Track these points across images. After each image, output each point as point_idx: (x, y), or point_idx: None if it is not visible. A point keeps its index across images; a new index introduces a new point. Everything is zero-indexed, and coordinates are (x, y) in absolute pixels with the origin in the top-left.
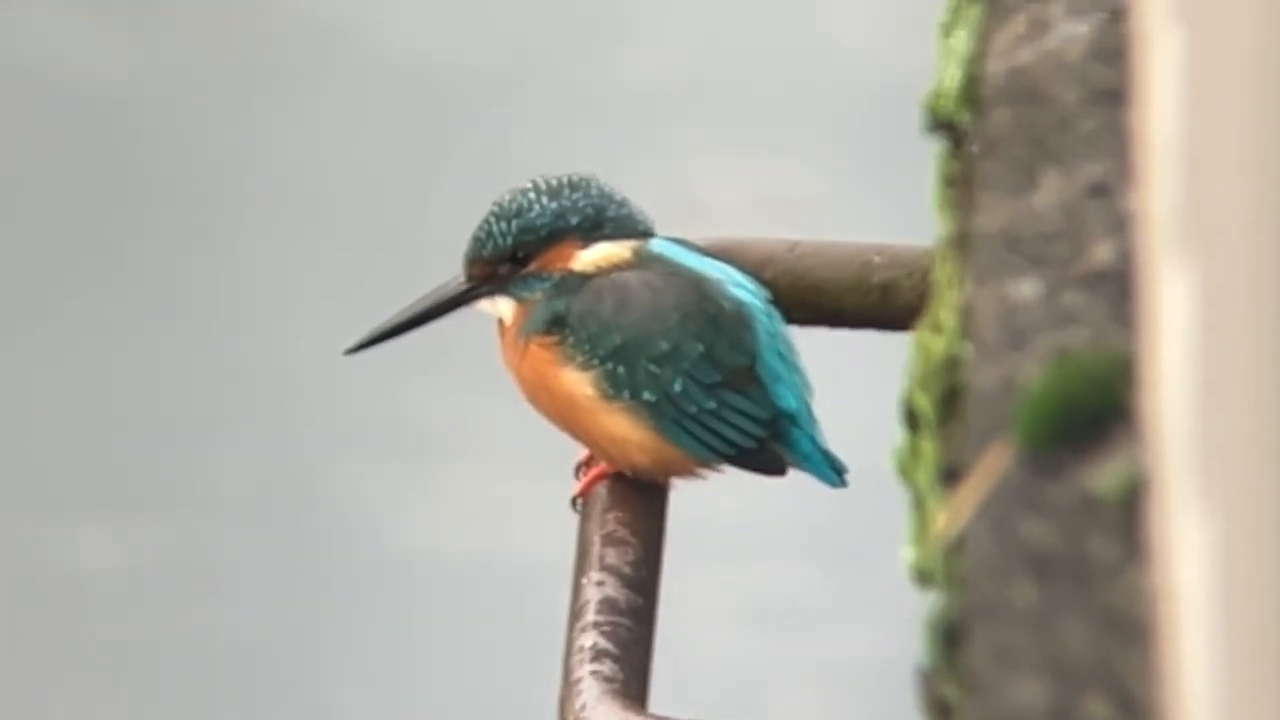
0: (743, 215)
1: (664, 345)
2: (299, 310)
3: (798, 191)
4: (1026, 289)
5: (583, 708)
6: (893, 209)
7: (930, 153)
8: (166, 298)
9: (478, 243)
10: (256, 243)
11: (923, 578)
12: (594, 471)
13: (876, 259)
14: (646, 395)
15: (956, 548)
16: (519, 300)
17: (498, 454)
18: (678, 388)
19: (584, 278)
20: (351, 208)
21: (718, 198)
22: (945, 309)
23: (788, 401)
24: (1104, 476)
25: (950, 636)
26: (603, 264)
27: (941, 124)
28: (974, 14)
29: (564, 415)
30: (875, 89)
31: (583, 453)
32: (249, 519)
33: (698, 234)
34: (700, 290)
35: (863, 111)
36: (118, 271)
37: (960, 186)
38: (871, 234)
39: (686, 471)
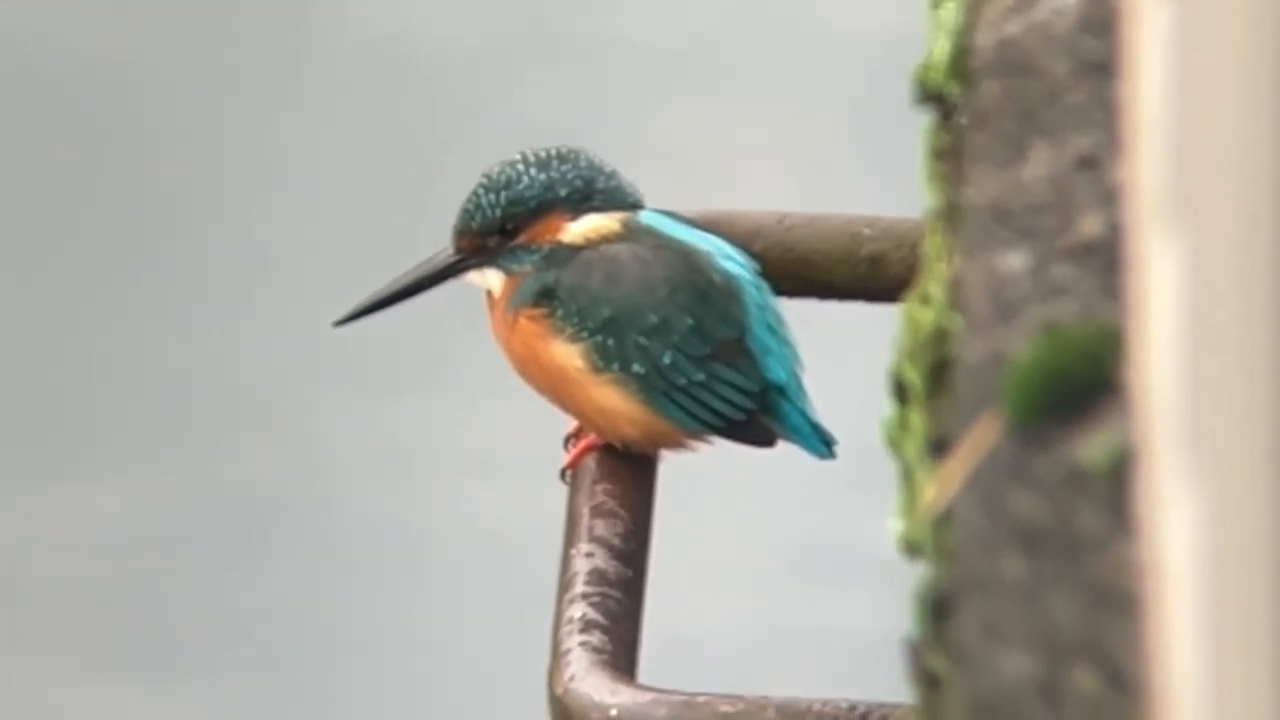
0: (737, 182)
1: (653, 318)
2: (295, 280)
3: (792, 159)
4: (1015, 261)
5: (571, 679)
6: (883, 179)
7: (919, 125)
8: (163, 273)
9: (466, 214)
10: (253, 217)
11: (911, 550)
12: (583, 443)
13: (866, 231)
14: (636, 367)
15: (945, 520)
16: (508, 272)
17: (487, 429)
18: (667, 360)
19: (573, 250)
20: (345, 183)
21: (709, 162)
22: (934, 281)
23: (777, 374)
24: (1092, 449)
25: (938, 609)
26: (592, 236)
27: (931, 96)
28: None
29: (553, 387)
30: (867, 60)
31: (572, 424)
32: (246, 490)
33: (685, 200)
34: (689, 263)
35: (854, 82)
36: (117, 245)
37: (949, 159)
38: (861, 205)
39: (675, 443)
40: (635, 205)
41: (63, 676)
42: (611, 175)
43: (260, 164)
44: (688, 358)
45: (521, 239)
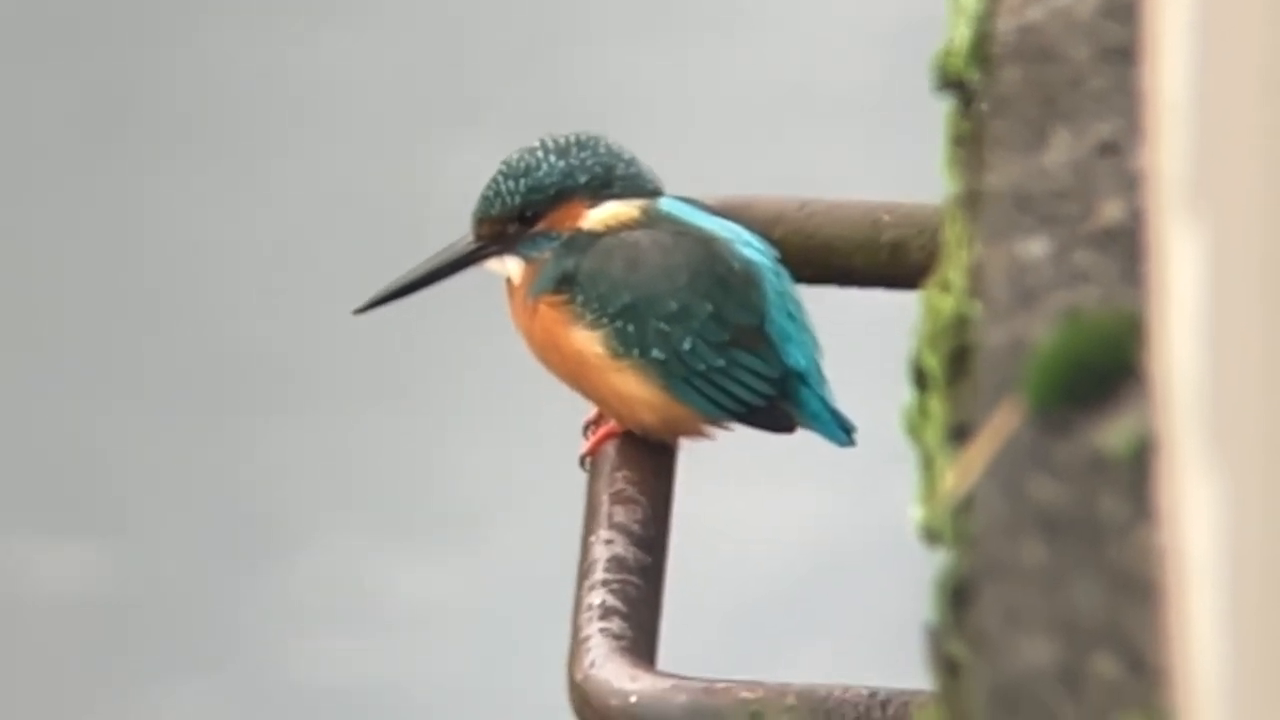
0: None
1: (673, 304)
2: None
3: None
4: (1036, 248)
5: (591, 665)
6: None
7: (940, 111)
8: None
9: (486, 202)
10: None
11: (931, 536)
12: (602, 430)
13: (886, 218)
14: (656, 353)
15: (965, 507)
16: (527, 259)
17: (501, 412)
18: (687, 346)
19: (593, 236)
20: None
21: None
22: (954, 268)
23: (797, 360)
24: (1113, 435)
25: (959, 595)
26: (611, 223)
27: (951, 82)
28: None
29: (573, 374)
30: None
31: (591, 411)
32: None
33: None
34: (709, 249)
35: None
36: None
37: (970, 145)
38: (881, 192)
39: (695, 430)
40: (655, 192)
41: None
42: (631, 162)
43: (210, 218)
44: (707, 344)
45: (541, 226)
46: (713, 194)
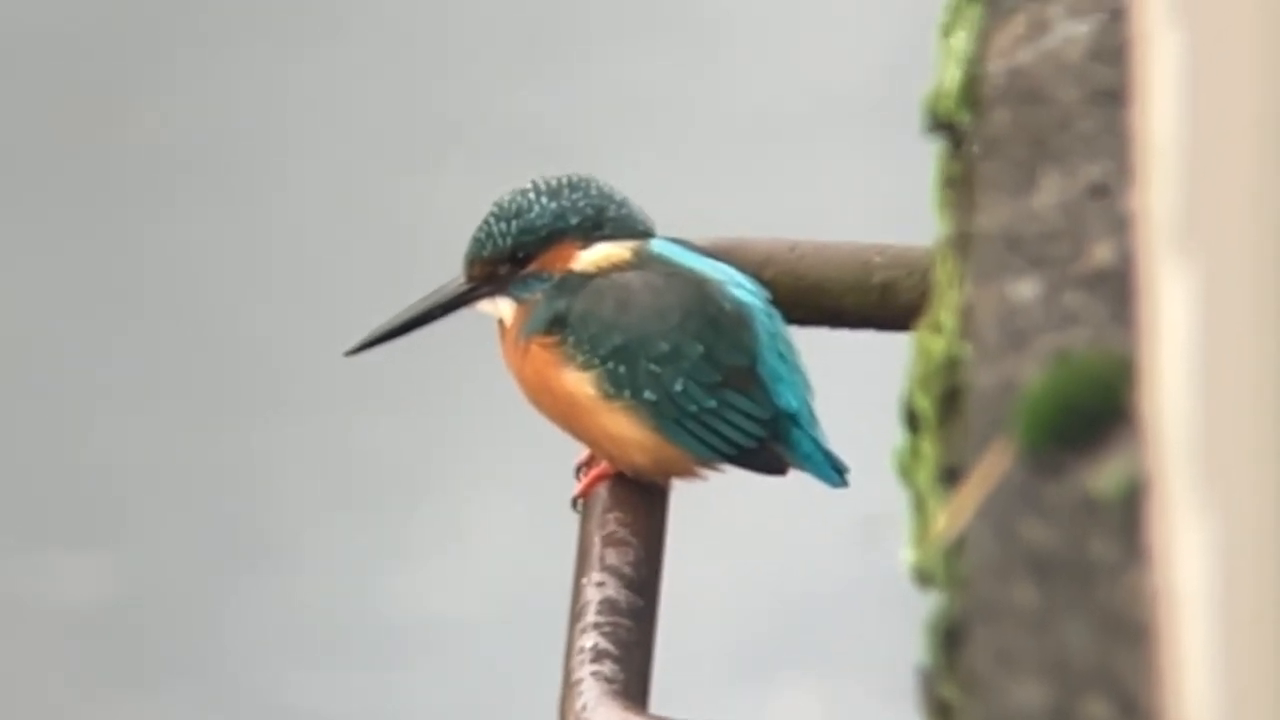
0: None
1: (664, 345)
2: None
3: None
4: (1026, 289)
5: (583, 708)
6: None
7: (930, 152)
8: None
9: (477, 243)
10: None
11: (923, 578)
12: (595, 472)
13: (877, 259)
14: (647, 395)
15: (957, 548)
16: (519, 301)
17: (503, 429)
18: (678, 387)
19: (584, 278)
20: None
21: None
22: (945, 309)
23: (788, 401)
24: (1104, 477)
25: (951, 637)
26: (603, 264)
27: (942, 124)
28: (974, 14)
29: (565, 415)
30: (876, 86)
31: (584, 453)
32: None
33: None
34: (701, 291)
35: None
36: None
37: (960, 187)
38: (872, 234)
39: (687, 471)
40: (646, 233)
41: None
42: (622, 203)
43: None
44: (699, 385)
45: (533, 267)
46: (703, 221)
